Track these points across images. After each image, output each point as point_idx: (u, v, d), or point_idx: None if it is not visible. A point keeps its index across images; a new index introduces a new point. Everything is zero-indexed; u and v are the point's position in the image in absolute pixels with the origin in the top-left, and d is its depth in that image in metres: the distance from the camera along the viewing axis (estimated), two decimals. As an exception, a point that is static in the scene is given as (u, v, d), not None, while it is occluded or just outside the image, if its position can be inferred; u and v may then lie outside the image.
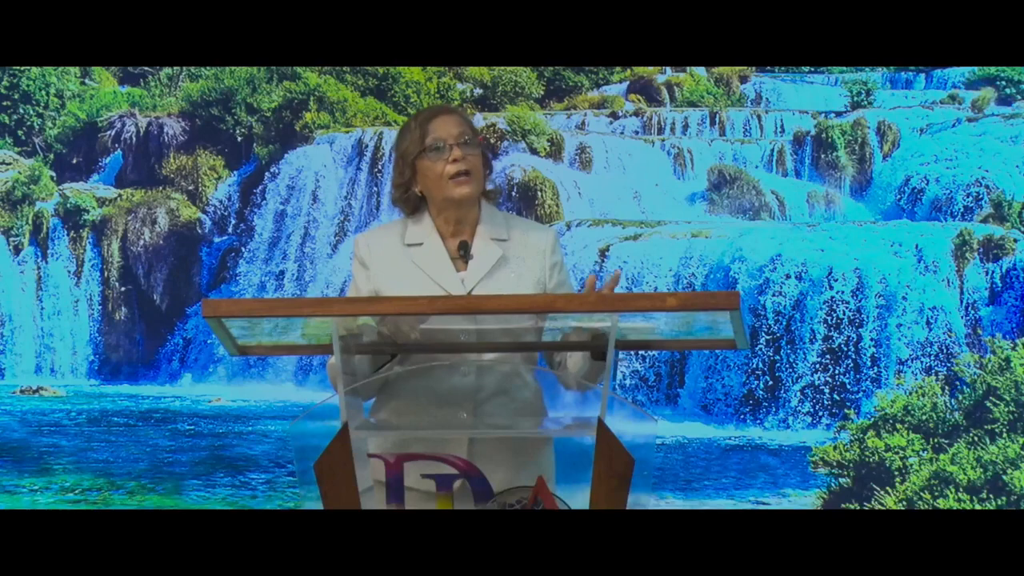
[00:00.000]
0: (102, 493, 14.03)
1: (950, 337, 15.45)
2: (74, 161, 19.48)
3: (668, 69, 19.72)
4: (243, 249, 18.75)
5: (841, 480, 12.60)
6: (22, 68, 18.90)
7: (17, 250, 18.76)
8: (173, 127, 19.38)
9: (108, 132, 19.46)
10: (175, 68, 19.57)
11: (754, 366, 15.80)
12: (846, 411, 14.22)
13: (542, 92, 19.55)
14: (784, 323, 15.77)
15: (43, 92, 19.38)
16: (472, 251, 4.26)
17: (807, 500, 13.19)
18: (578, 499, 3.95)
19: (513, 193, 17.81)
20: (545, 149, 18.39)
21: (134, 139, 19.45)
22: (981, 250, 15.80)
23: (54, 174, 19.17)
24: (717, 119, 18.88)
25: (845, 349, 15.58)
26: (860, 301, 15.63)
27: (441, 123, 4.24)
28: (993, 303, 15.64)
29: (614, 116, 19.25)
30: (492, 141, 17.71)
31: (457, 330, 4.10)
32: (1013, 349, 12.57)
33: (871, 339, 15.53)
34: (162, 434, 15.91)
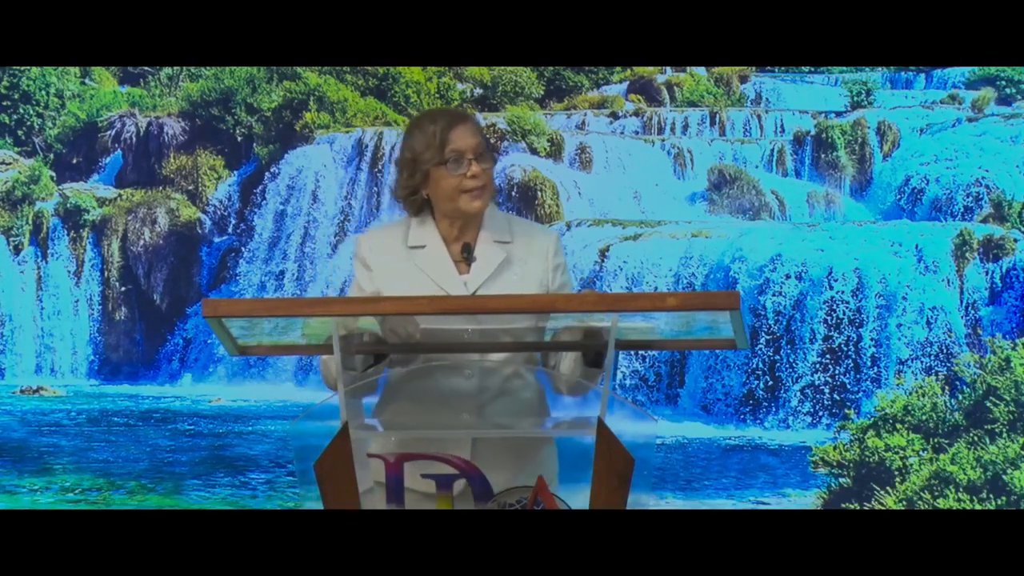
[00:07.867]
0: (102, 493, 14.04)
1: (950, 337, 15.45)
2: (74, 161, 19.48)
3: (668, 69, 19.72)
4: (243, 249, 18.75)
5: (841, 480, 12.60)
6: (22, 68, 18.91)
7: (17, 250, 18.76)
8: (173, 127, 19.38)
9: (108, 132, 19.46)
10: (175, 68, 19.57)
11: (754, 366, 15.80)
12: (846, 411, 14.22)
13: (542, 92, 19.56)
14: (784, 323, 15.77)
15: (43, 92, 19.38)
16: (475, 253, 4.26)
17: (807, 500, 13.19)
18: (578, 499, 3.95)
19: (513, 193, 17.81)
20: (545, 149, 18.38)
21: (134, 139, 19.45)
22: (981, 250, 15.79)
23: (54, 174, 19.17)
24: (717, 119, 18.88)
25: (845, 349, 15.58)
26: (860, 301, 15.63)
27: (461, 134, 4.22)
28: (993, 303, 15.64)
29: (614, 116, 19.25)
30: (492, 141, 17.71)
31: (458, 330, 4.10)
32: (1013, 349, 12.56)
33: (871, 339, 15.54)
34: (162, 434, 15.91)
